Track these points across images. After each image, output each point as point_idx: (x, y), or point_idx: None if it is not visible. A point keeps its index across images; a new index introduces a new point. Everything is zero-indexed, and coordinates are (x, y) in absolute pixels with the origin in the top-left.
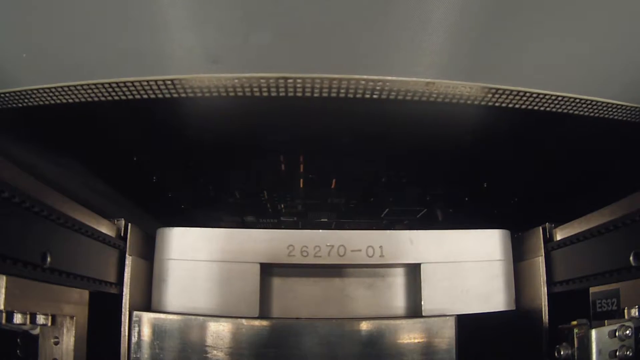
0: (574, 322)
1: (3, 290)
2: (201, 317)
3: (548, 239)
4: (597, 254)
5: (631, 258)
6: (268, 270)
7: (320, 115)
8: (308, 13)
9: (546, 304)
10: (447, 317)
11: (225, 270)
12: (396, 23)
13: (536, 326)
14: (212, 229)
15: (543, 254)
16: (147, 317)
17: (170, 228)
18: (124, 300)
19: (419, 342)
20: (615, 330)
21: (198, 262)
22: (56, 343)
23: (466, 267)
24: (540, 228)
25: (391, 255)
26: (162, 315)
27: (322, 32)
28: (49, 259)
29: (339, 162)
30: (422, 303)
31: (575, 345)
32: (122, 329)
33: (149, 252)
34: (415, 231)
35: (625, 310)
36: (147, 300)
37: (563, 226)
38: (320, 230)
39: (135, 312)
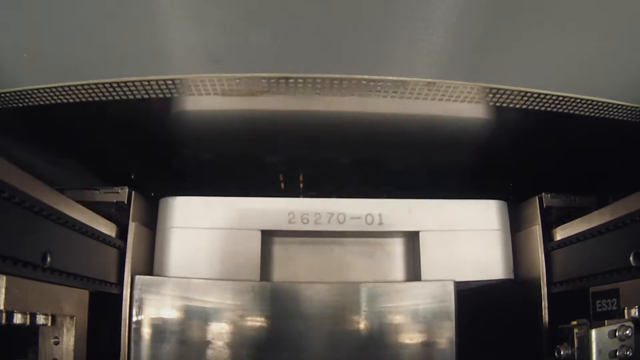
0: (574, 322)
1: (3, 290)
2: (202, 280)
3: (545, 208)
4: (597, 253)
5: (631, 258)
6: (269, 238)
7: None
8: (308, 13)
9: (544, 270)
10: (447, 281)
11: (227, 237)
12: (397, 23)
13: (534, 293)
14: (214, 197)
15: (540, 222)
16: (149, 280)
17: (174, 197)
18: (126, 267)
19: (418, 305)
20: (615, 330)
21: (200, 230)
22: (56, 343)
23: (464, 236)
24: (537, 198)
25: (390, 223)
26: (164, 278)
27: (322, 32)
28: (49, 259)
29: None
30: (421, 270)
31: (575, 345)
32: (124, 292)
33: (151, 222)
34: (413, 200)
35: (625, 310)
36: (149, 269)
37: (563, 226)
38: (321, 199)
39: (137, 276)
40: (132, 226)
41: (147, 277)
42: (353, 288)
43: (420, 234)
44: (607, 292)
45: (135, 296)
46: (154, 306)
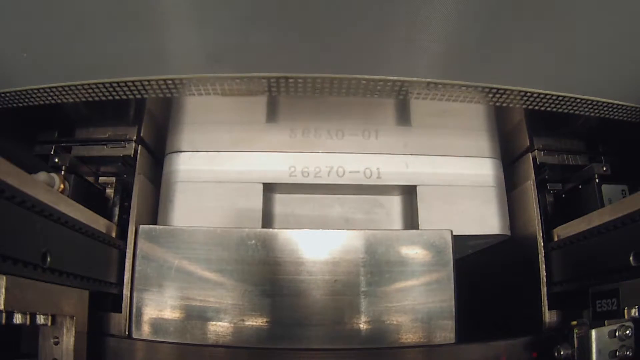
0: (574, 322)
1: (3, 290)
2: (205, 227)
3: (538, 166)
4: (597, 254)
5: (631, 258)
6: (270, 190)
7: None
8: (309, 13)
9: (541, 226)
10: (444, 230)
11: (230, 189)
12: (397, 23)
13: (531, 250)
14: (217, 152)
15: (534, 178)
16: (153, 229)
17: (178, 153)
18: (130, 220)
19: (417, 252)
20: (615, 330)
21: (204, 183)
22: (56, 343)
23: (461, 191)
24: (530, 155)
25: (388, 177)
26: (168, 227)
27: (322, 32)
28: (49, 259)
29: None
30: (419, 224)
31: (575, 345)
32: (128, 243)
33: (156, 179)
34: (410, 155)
35: (625, 310)
36: (153, 222)
37: (563, 226)
38: (321, 152)
39: (141, 226)
40: (137, 179)
41: (151, 226)
42: (352, 235)
43: (418, 188)
44: (607, 292)
45: (139, 245)
46: (156, 254)
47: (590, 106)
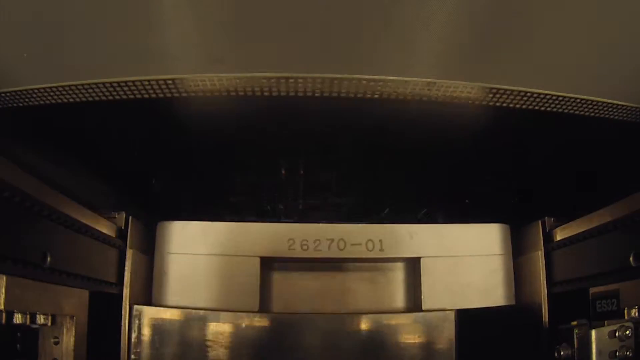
0: (574, 322)
1: (3, 290)
2: (202, 311)
3: (547, 233)
4: (597, 254)
5: (631, 258)
6: (268, 264)
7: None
8: (309, 13)
9: (546, 298)
10: (447, 312)
11: (226, 263)
12: (397, 23)
13: (536, 321)
14: (212, 222)
15: (542, 249)
16: (147, 311)
17: (171, 222)
18: (124, 295)
19: (419, 336)
20: (615, 331)
21: (198, 256)
22: (56, 343)
23: (466, 262)
24: (540, 222)
25: (391, 249)
26: (162, 309)
27: (322, 32)
28: (49, 259)
29: (339, 161)
30: (422, 297)
31: (575, 346)
32: (122, 324)
33: (149, 247)
34: (414, 225)
35: (625, 311)
36: (147, 296)
37: (563, 226)
38: (321, 224)
39: (135, 307)
40: (129, 253)
41: (145, 307)
42: (352, 320)
43: (422, 260)
44: (607, 292)
45: (134, 327)
46: (152, 337)
47: (590, 106)
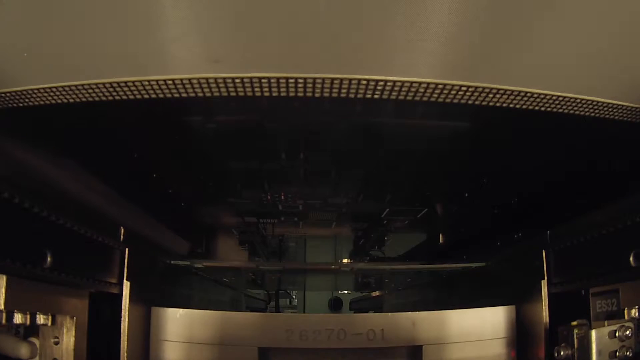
0: (574, 323)
1: (3, 290)
2: None
3: (550, 304)
4: (597, 254)
5: (631, 258)
6: (266, 355)
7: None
8: (309, 13)
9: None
10: None
11: (223, 353)
12: (397, 23)
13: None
14: (208, 311)
15: (546, 322)
16: None
17: (165, 309)
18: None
19: None
20: (615, 331)
21: (195, 345)
22: (56, 343)
23: (469, 347)
24: (544, 282)
25: (393, 338)
26: None
27: (322, 32)
28: (49, 259)
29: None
30: None
31: (575, 346)
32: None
33: (145, 324)
34: (417, 313)
35: (625, 311)
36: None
37: (563, 226)
38: (320, 314)
39: None
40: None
41: None
42: None
43: (424, 347)
44: (607, 292)
45: None
46: None
47: (590, 106)
